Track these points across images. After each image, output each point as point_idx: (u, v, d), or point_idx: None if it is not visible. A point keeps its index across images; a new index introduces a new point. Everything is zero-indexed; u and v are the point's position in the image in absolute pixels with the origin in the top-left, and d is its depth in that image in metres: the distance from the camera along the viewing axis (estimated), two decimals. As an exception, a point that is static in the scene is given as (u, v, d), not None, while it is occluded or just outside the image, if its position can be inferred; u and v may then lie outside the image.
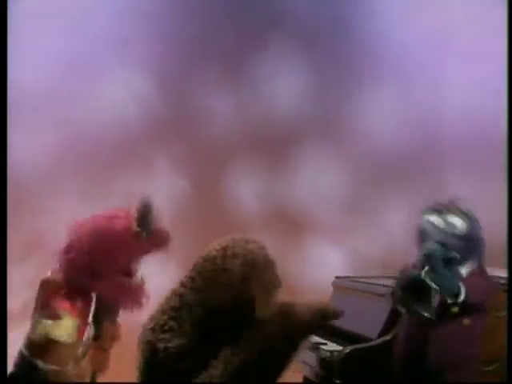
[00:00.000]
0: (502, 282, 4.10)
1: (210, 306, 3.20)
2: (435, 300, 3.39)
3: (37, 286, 5.54)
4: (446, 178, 5.83)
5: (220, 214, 5.71)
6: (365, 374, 3.96)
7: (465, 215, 3.58)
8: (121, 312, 3.33)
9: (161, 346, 3.10)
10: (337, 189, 5.94)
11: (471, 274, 3.55)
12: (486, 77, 5.75)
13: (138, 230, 3.20)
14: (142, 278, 3.30)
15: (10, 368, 3.35)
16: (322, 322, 3.35)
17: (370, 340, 4.04)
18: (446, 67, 5.93)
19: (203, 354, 3.11)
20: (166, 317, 3.21)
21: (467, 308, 3.47)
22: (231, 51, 5.82)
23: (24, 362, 2.96)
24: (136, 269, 3.33)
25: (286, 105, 5.93)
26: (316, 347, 4.14)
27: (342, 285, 4.77)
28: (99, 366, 3.24)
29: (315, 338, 4.09)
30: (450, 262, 3.41)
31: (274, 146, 5.88)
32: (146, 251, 3.26)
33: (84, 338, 3.01)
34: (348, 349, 4.00)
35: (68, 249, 3.11)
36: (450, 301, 3.43)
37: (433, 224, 3.57)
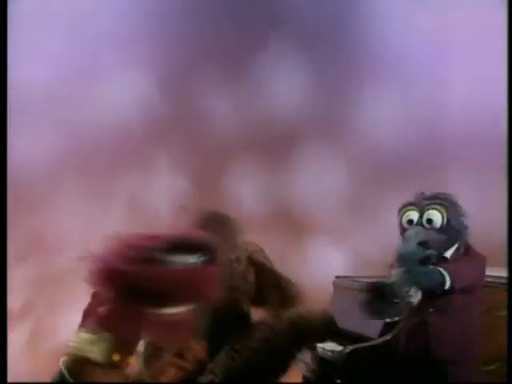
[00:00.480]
0: (502, 281, 4.18)
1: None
2: (415, 300, 3.39)
3: (37, 286, 5.59)
4: (446, 177, 5.80)
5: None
6: (366, 374, 3.96)
7: (442, 205, 3.57)
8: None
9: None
10: (337, 189, 5.94)
11: (457, 257, 3.55)
12: (486, 77, 5.75)
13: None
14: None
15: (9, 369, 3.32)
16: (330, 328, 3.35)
17: (371, 340, 4.05)
18: (446, 67, 5.93)
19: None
20: None
21: (459, 291, 3.46)
22: (231, 51, 5.81)
23: (59, 377, 2.79)
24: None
25: (287, 105, 5.93)
26: (317, 347, 4.14)
27: (343, 284, 4.77)
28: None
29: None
30: (426, 260, 3.40)
31: (275, 146, 5.87)
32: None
33: (129, 368, 2.77)
34: (349, 349, 4.01)
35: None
36: (438, 291, 3.43)
37: (410, 221, 3.58)
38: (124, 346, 2.62)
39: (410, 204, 3.64)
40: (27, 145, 5.53)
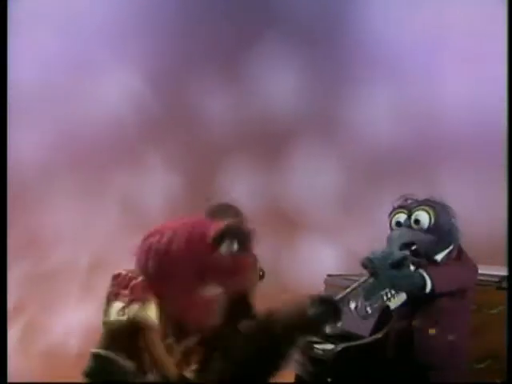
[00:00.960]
0: (494, 279, 4.22)
1: None
2: (393, 304, 3.41)
3: (30, 285, 5.59)
4: (443, 176, 5.80)
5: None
6: (357, 372, 3.97)
7: (430, 206, 3.57)
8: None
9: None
10: (331, 187, 5.92)
11: (447, 262, 3.54)
12: (483, 75, 5.74)
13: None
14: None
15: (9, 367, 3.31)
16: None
17: (362, 338, 4.05)
18: (442, 65, 5.90)
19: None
20: None
21: (446, 295, 3.46)
22: (225, 49, 5.79)
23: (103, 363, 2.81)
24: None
25: (281, 103, 5.90)
26: (308, 345, 4.09)
27: (334, 283, 4.74)
28: None
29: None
30: (400, 263, 3.34)
31: (269, 144, 5.85)
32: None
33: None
34: (340, 347, 4.02)
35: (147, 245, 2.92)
36: (419, 294, 3.41)
37: (398, 223, 3.59)
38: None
39: (400, 207, 3.66)
40: (20, 143, 5.52)
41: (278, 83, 5.91)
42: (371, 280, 3.27)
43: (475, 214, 5.43)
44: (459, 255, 3.62)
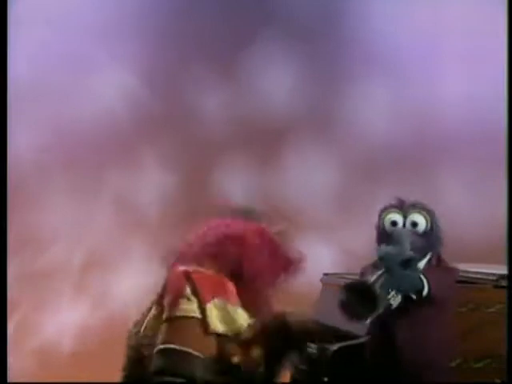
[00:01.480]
0: (491, 278, 4.18)
1: None
2: (395, 303, 3.37)
3: (22, 284, 5.55)
4: (440, 175, 5.81)
5: (211, 210, 5.61)
6: (352, 372, 3.92)
7: (425, 211, 3.56)
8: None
9: (145, 352, 3.05)
10: (327, 185, 5.91)
11: (428, 267, 3.53)
12: (483, 72, 5.75)
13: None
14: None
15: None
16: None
17: (358, 337, 4.00)
18: (441, 62, 5.91)
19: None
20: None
21: (428, 301, 3.45)
22: (222, 47, 5.79)
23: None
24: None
25: (278, 101, 5.90)
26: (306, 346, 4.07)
27: (331, 282, 4.73)
28: None
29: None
30: (408, 263, 3.37)
31: (265, 142, 5.85)
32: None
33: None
34: (335, 346, 3.98)
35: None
36: (414, 297, 3.40)
37: (393, 222, 3.56)
38: None
39: (393, 206, 3.62)
40: (13, 141, 5.48)
41: (275, 81, 5.91)
42: (385, 275, 3.27)
43: (472, 212, 5.48)
44: (438, 262, 3.60)
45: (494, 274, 4.18)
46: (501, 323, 3.93)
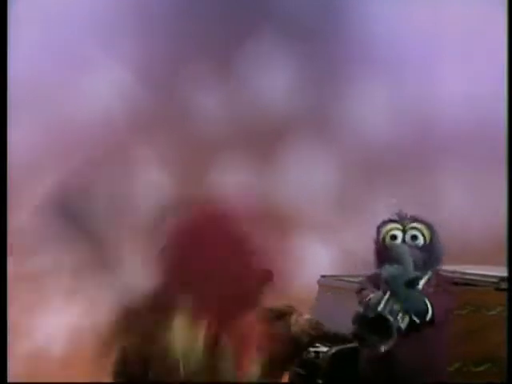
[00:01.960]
0: (492, 280, 4.15)
1: None
2: (404, 325, 3.32)
3: (15, 284, 5.48)
4: (440, 176, 5.77)
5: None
6: (350, 376, 3.85)
7: (424, 225, 3.55)
8: None
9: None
10: (325, 185, 5.86)
11: (429, 284, 3.50)
12: (482, 72, 5.72)
13: None
14: None
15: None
16: None
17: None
18: (440, 62, 5.86)
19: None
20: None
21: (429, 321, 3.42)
22: (218, 44, 5.73)
23: None
24: None
25: (275, 100, 5.84)
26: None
27: (328, 284, 4.70)
28: None
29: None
30: (412, 283, 3.35)
31: (262, 142, 5.78)
32: None
33: None
34: (334, 349, 3.94)
35: None
36: (417, 320, 3.36)
37: (394, 237, 3.55)
38: None
39: (392, 221, 3.60)
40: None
41: (273, 80, 5.86)
42: (392, 299, 3.26)
43: (472, 213, 5.44)
44: (438, 281, 3.57)
45: (495, 276, 4.16)
46: (502, 326, 3.90)
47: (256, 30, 5.80)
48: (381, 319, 3.18)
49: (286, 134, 5.83)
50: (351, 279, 4.50)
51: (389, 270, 3.35)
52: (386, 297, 3.25)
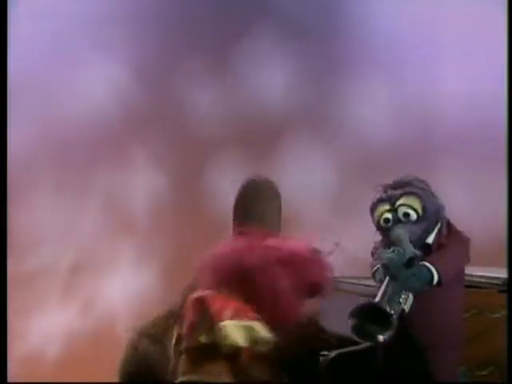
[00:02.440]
0: (496, 282, 4.12)
1: None
2: (408, 306, 3.31)
3: (10, 285, 5.43)
4: (441, 176, 5.58)
5: (202, 211, 5.62)
6: (351, 379, 3.79)
7: (414, 193, 3.51)
8: None
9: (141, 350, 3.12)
10: (324, 186, 5.86)
11: (440, 241, 3.49)
12: (484, 68, 5.72)
13: None
14: None
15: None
16: None
17: (357, 343, 3.75)
18: (439, 60, 5.85)
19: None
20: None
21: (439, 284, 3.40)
22: (215, 41, 5.73)
23: None
24: None
25: (272, 98, 5.84)
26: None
27: None
28: None
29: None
30: (412, 261, 3.31)
31: (259, 141, 5.78)
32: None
33: None
34: (333, 353, 3.78)
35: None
36: (427, 288, 3.36)
37: (387, 220, 3.53)
38: None
39: (381, 200, 3.58)
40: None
41: (270, 77, 5.85)
42: (392, 284, 3.25)
43: (476, 213, 5.45)
44: (449, 230, 3.56)
45: (498, 278, 4.11)
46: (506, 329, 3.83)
47: (253, 26, 5.80)
48: (377, 309, 3.17)
49: (283, 133, 5.83)
50: (351, 281, 4.49)
51: (385, 254, 3.34)
52: (385, 284, 3.25)
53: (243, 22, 5.77)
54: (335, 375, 3.84)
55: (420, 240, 3.45)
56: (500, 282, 4.10)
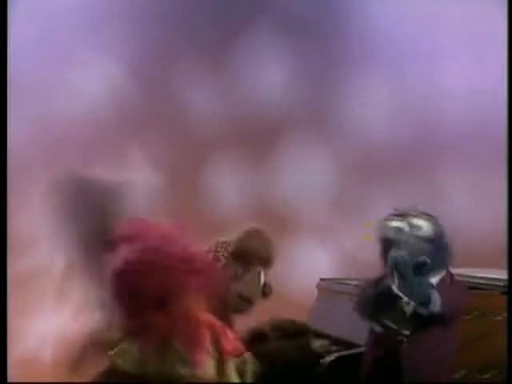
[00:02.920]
0: (498, 283, 4.07)
1: None
2: (408, 311, 3.28)
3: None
4: (441, 174, 5.76)
5: (199, 212, 5.57)
6: (350, 383, 3.78)
7: (428, 218, 3.47)
8: None
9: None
10: (323, 186, 5.84)
11: (442, 283, 3.42)
12: (485, 67, 5.71)
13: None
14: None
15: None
16: None
17: (357, 346, 3.88)
18: (440, 59, 5.85)
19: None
20: None
21: (440, 319, 3.34)
22: (212, 38, 5.71)
23: None
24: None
25: (270, 97, 5.82)
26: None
27: (327, 287, 4.65)
28: None
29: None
30: (419, 268, 3.30)
31: (257, 140, 5.76)
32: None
33: None
34: (333, 356, 3.87)
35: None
36: (421, 310, 3.30)
37: (397, 229, 3.44)
38: None
39: (393, 215, 3.50)
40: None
41: (267, 75, 5.83)
42: (399, 282, 3.24)
43: (477, 213, 5.45)
44: (451, 280, 3.51)
45: (500, 280, 4.06)
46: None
47: (251, 24, 5.78)
48: (387, 289, 3.21)
49: (282, 131, 5.82)
50: (351, 282, 4.45)
51: (397, 252, 3.30)
52: (395, 277, 3.25)
53: (241, 19, 5.76)
54: (334, 378, 3.84)
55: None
56: (502, 284, 4.05)
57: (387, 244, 3.43)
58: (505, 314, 3.94)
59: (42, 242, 5.50)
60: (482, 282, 4.13)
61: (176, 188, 5.57)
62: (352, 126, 5.85)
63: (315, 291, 4.74)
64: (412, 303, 3.27)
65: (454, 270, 3.97)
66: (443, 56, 5.82)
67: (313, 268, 5.47)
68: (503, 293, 4.02)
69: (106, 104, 5.66)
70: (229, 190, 5.73)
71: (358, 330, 3.82)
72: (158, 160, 5.66)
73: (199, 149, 5.70)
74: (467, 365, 3.91)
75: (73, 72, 5.60)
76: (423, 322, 3.32)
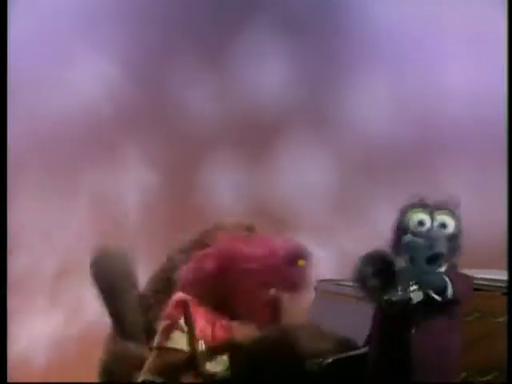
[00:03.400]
0: (499, 284, 4.00)
1: None
2: (416, 298, 3.22)
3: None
4: (441, 174, 5.74)
5: (197, 211, 5.55)
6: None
7: (451, 213, 3.40)
8: None
9: None
10: (322, 185, 5.82)
11: (449, 273, 3.37)
12: (485, 66, 5.71)
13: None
14: None
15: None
16: None
17: (356, 348, 3.80)
18: (442, 56, 5.85)
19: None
20: None
21: (451, 304, 3.31)
22: (210, 35, 5.70)
23: None
24: None
25: (269, 95, 5.82)
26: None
27: (326, 289, 4.57)
28: None
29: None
30: (435, 260, 3.23)
31: (255, 139, 5.76)
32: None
33: None
34: (331, 358, 3.75)
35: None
36: (435, 297, 3.24)
37: (419, 222, 3.35)
38: None
39: (418, 205, 3.41)
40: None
41: (266, 73, 5.82)
42: (409, 267, 3.19)
43: (479, 214, 5.32)
44: (455, 270, 3.45)
45: (502, 281, 4.00)
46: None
47: (250, 22, 5.78)
48: (388, 261, 3.19)
49: (281, 130, 5.80)
50: (350, 284, 4.38)
51: (413, 238, 3.23)
52: (406, 262, 3.20)
53: (239, 17, 5.76)
54: (332, 381, 3.77)
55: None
56: (503, 285, 3.99)
57: (404, 234, 3.36)
58: (506, 316, 3.89)
59: (31, 243, 5.54)
60: (482, 282, 4.03)
61: (174, 187, 5.57)
62: (352, 125, 5.84)
63: (313, 293, 4.62)
64: (421, 292, 3.21)
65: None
66: (443, 56, 5.82)
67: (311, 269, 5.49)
68: (504, 294, 3.96)
69: (103, 103, 5.65)
70: (227, 190, 5.72)
71: (357, 332, 3.79)
72: (155, 159, 5.69)
73: (197, 148, 5.68)
74: (467, 367, 3.81)
75: (70, 71, 5.61)
76: (431, 310, 3.27)
